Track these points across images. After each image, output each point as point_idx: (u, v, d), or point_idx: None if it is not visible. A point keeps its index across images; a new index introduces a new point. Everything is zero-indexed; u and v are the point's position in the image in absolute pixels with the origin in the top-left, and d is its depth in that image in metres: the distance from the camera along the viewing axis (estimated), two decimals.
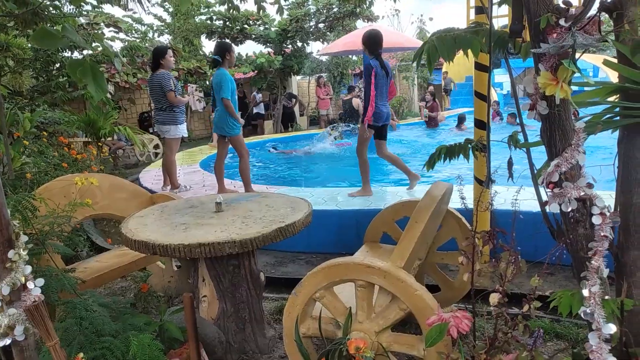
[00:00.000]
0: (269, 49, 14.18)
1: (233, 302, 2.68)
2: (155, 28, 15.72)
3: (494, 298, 1.58)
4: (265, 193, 3.20)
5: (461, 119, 12.20)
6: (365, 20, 13.07)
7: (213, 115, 5.60)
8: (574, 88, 1.90)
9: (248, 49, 17.77)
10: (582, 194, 1.47)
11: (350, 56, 16.57)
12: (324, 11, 12.79)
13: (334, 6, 12.58)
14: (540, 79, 1.30)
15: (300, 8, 12.99)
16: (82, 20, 9.41)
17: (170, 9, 14.74)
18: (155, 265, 3.74)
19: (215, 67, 5.39)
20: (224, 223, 2.52)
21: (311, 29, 13.31)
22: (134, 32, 13.49)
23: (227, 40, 11.72)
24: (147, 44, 11.79)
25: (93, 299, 2.26)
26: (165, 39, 15.60)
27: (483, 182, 3.74)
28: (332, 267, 2.00)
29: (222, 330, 2.61)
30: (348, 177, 7.18)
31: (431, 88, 15.28)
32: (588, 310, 1.49)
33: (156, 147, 10.72)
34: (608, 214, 1.50)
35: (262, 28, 13.48)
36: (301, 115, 16.75)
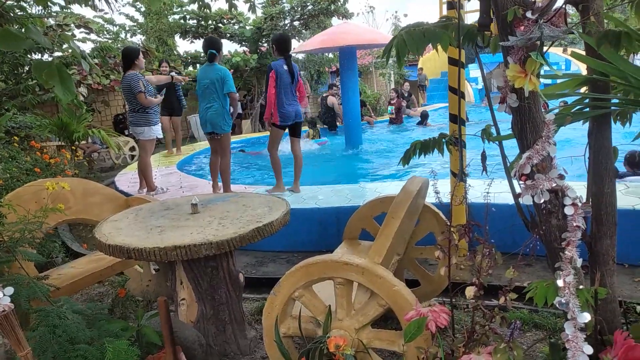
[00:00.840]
0: (245, 48, 14.08)
1: (212, 304, 2.65)
2: (127, 28, 15.46)
3: (469, 291, 1.59)
4: (242, 193, 3.17)
5: (424, 116, 12.55)
6: (340, 18, 13.07)
7: (197, 115, 5.62)
8: (547, 81, 1.92)
9: (223, 48, 17.64)
10: (554, 185, 1.49)
11: (326, 54, 16.56)
12: (299, 9, 12.76)
13: (308, 4, 12.57)
14: (509, 72, 1.30)
15: (275, 6, 12.94)
16: (51, 21, 9.20)
17: (143, 9, 14.51)
18: (133, 270, 3.68)
19: (210, 61, 5.31)
20: (200, 225, 2.49)
21: (286, 27, 13.26)
22: (105, 32, 13.25)
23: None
24: (118, 45, 11.59)
25: (67, 305, 2.21)
26: (138, 39, 15.35)
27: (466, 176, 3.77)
28: (310, 266, 1.99)
29: (202, 332, 2.58)
30: (327, 175, 7.18)
31: (407, 85, 15.37)
32: (563, 300, 1.51)
33: (132, 149, 10.54)
34: (580, 204, 1.52)
35: (236, 27, 13.38)
36: None
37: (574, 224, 1.50)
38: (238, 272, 2.76)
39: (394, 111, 13.32)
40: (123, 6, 16.43)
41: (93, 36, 11.43)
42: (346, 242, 3.08)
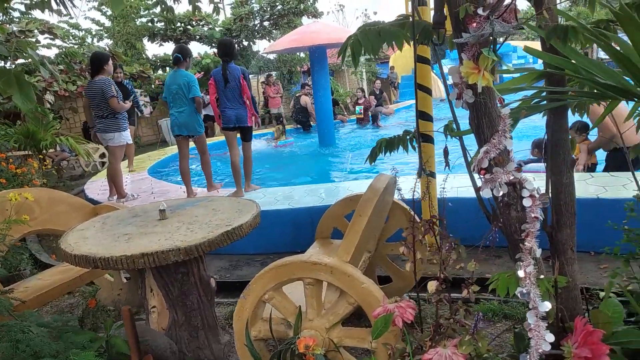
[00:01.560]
0: (215, 50, 13.97)
1: (184, 311, 2.62)
2: (94, 33, 15.19)
3: (431, 286, 1.61)
4: (212, 197, 3.14)
5: (374, 117, 12.92)
6: (310, 17, 13.08)
7: (168, 119, 5.67)
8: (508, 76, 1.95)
9: (193, 50, 17.52)
10: (512, 178, 1.52)
11: (298, 53, 16.55)
12: (268, 9, 12.72)
13: (277, 3, 12.54)
14: (463, 68, 1.32)
15: (244, 6, 12.87)
16: (14, 27, 8.96)
17: (109, 12, 14.27)
18: (103, 279, 3.62)
19: (175, 64, 5.47)
20: (168, 231, 2.46)
21: (256, 28, 13.21)
22: (71, 38, 12.98)
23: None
24: (84, 50, 11.37)
25: (32, 319, 2.16)
26: (105, 43, 15.08)
27: (428, 172, 3.82)
28: (279, 268, 1.99)
29: (174, 339, 2.55)
30: (301, 174, 7.17)
31: (378, 83, 15.46)
32: (524, 290, 1.54)
33: (102, 156, 10.35)
34: (538, 195, 1.56)
35: (205, 28, 13.27)
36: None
37: (533, 215, 1.53)
38: (209, 277, 2.74)
39: (362, 111, 13.45)
40: (89, 10, 16.13)
41: (58, 42, 11.17)
42: (318, 242, 3.08)
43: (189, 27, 13.09)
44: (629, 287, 2.43)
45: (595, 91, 1.74)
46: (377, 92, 14.78)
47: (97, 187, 6.77)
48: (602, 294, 2.60)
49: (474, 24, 1.31)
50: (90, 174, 9.50)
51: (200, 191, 5.74)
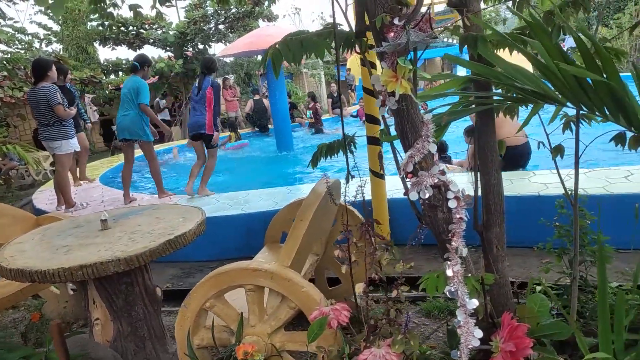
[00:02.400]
0: (170, 53, 13.75)
1: (129, 321, 2.58)
2: (42, 37, 14.67)
3: (358, 288, 1.65)
4: (157, 205, 3.10)
5: (310, 123, 13.30)
6: (265, 20, 13.05)
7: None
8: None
9: (147, 54, 17.19)
10: (437, 180, 1.57)
11: (255, 57, 16.48)
12: (222, 12, 12.62)
13: (232, 7, 12.45)
14: (382, 77, 1.37)
15: (198, 10, 12.72)
16: None
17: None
18: (49, 291, 3.52)
19: (132, 72, 5.58)
20: (109, 241, 2.41)
21: (211, 31, 13.08)
22: (17, 42, 12.50)
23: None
24: (29, 55, 10.97)
25: None
26: (55, 48, 14.61)
27: (379, 174, 3.89)
28: (219, 276, 1.99)
29: (119, 351, 2.50)
30: (257, 178, 7.15)
31: (333, 86, 15.59)
32: (452, 289, 1.60)
33: (53, 164, 10.02)
34: (462, 197, 1.62)
35: (159, 32, 13.04)
36: None
37: (458, 216, 1.59)
38: (155, 286, 2.70)
39: (312, 115, 13.60)
40: (35, 14, 15.57)
41: (2, 46, 10.76)
42: (267, 247, 3.09)
43: (141, 30, 12.84)
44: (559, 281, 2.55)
45: (518, 95, 1.82)
46: (334, 95, 14.90)
47: (45, 197, 6.56)
48: (538, 287, 2.72)
49: (392, 34, 1.36)
50: (42, 183, 9.19)
51: (150, 198, 5.66)
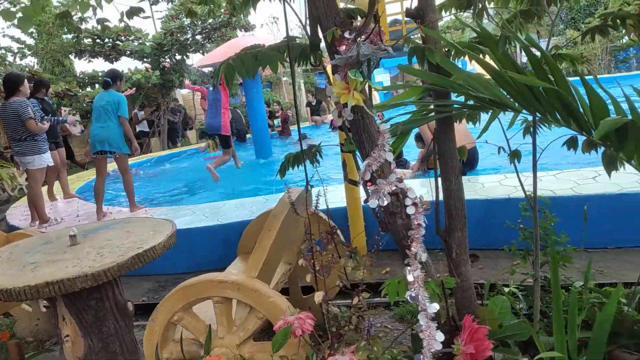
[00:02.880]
0: (147, 65, 13.67)
1: (100, 337, 2.55)
2: (16, 50, 14.47)
3: (318, 296, 1.67)
4: (129, 218, 3.09)
5: (279, 132, 13.56)
6: (242, 30, 13.08)
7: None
8: None
9: (124, 65, 17.12)
10: (394, 188, 1.60)
11: None
12: (199, 23, 12.61)
13: (208, 18, 12.45)
14: (335, 89, 1.40)
15: (174, 21, 12.69)
16: None
17: (31, 30, 13.66)
18: (20, 309, 3.46)
19: (105, 88, 5.64)
20: (77, 257, 2.40)
21: (188, 41, 13.05)
22: None
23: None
24: (1, 70, 10.80)
25: None
26: (29, 61, 14.43)
27: (355, 182, 3.92)
28: (187, 288, 1.99)
29: None
30: (237, 187, 7.14)
31: (309, 95, 15.69)
32: (413, 294, 1.63)
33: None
34: (420, 203, 1.65)
35: (136, 43, 12.97)
36: (190, 129, 16.34)
37: (416, 222, 1.62)
38: (126, 301, 2.68)
39: (280, 123, 13.67)
40: (7, 27, 15.39)
41: None
42: (240, 258, 3.09)
43: (118, 42, 12.75)
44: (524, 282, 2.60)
45: (476, 103, 1.87)
46: (314, 103, 14.98)
47: (19, 212, 6.45)
48: (507, 289, 2.77)
49: (343, 47, 1.39)
50: (17, 199, 9.04)
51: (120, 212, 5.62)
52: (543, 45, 1.74)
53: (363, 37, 1.38)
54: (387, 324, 2.96)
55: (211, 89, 6.00)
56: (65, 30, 12.16)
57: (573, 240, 3.72)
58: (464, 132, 4.69)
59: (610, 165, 1.63)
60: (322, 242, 2.13)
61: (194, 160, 10.91)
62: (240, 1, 2.13)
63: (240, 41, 9.81)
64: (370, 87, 1.66)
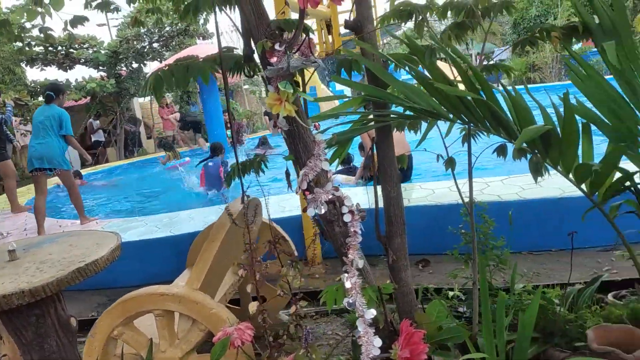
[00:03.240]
0: (102, 73, 13.36)
1: (41, 355, 2.47)
2: None
3: (252, 307, 1.67)
4: (73, 232, 3.01)
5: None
6: (200, 38, 12.98)
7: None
8: None
9: (78, 74, 16.68)
10: (331, 196, 1.63)
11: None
12: (156, 30, 12.44)
13: (166, 25, 12.30)
14: (268, 100, 1.42)
15: (130, 28, 12.47)
16: None
17: None
18: None
19: (47, 102, 5.46)
20: (16, 272, 2.32)
21: (145, 49, 12.84)
22: None
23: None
24: None
25: None
26: None
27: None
28: (127, 302, 1.96)
29: None
30: (191, 197, 7.05)
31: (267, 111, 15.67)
32: (350, 301, 1.65)
33: None
34: (357, 211, 1.69)
35: (90, 51, 12.66)
36: (148, 138, 16.05)
37: (353, 230, 1.65)
38: (69, 316, 2.61)
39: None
40: None
41: None
42: (189, 269, 3.06)
43: (71, 50, 12.41)
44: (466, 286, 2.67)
45: (413, 113, 1.92)
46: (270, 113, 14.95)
47: None
48: (451, 293, 2.85)
49: (274, 59, 1.41)
50: None
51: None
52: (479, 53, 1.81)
53: (294, 48, 1.41)
54: (339, 331, 2.98)
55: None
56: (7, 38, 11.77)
57: (519, 243, 3.87)
58: (400, 140, 4.84)
59: (536, 171, 1.70)
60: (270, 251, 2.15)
61: (151, 171, 10.71)
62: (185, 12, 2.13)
63: (197, 49, 9.75)
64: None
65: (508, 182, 4.38)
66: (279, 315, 3.06)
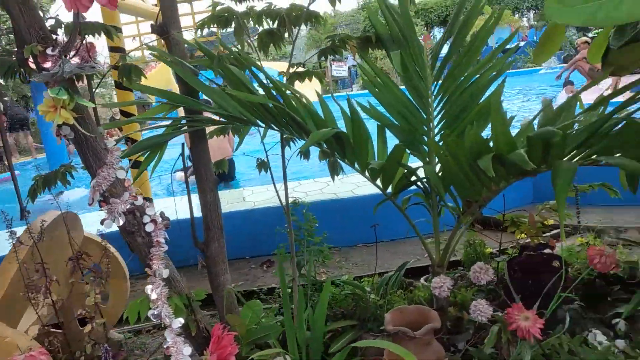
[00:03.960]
0: None
1: None
2: None
3: (88, 328, 1.57)
4: None
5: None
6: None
7: None
8: None
9: None
10: (130, 206, 1.57)
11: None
12: None
13: None
14: (40, 107, 1.32)
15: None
16: None
17: None
18: None
19: None
20: None
21: None
22: None
23: None
24: None
25: None
26: None
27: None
28: None
29: None
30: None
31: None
32: (155, 312, 1.62)
33: None
34: (160, 220, 1.65)
35: None
36: None
37: (156, 239, 1.62)
38: None
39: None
40: None
41: None
42: None
43: None
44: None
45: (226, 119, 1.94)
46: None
47: None
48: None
49: (48, 63, 1.32)
50: None
51: None
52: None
53: (72, 52, 1.33)
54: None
55: None
56: None
57: (355, 237, 4.14)
58: (217, 145, 5.07)
59: (333, 170, 1.82)
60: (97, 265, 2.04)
61: None
62: None
63: None
64: None
65: (346, 180, 4.65)
66: (109, 333, 2.88)
